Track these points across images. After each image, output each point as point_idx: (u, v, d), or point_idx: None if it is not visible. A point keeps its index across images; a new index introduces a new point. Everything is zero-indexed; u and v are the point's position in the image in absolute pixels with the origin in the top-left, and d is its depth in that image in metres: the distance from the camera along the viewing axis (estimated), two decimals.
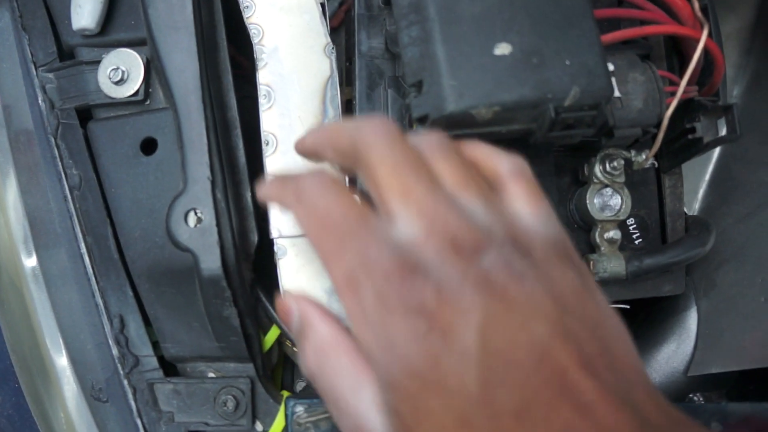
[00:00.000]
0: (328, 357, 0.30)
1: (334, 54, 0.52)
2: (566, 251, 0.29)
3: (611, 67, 0.44)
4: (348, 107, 0.52)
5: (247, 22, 0.51)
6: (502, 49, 0.39)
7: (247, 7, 0.51)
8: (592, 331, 0.26)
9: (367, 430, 0.28)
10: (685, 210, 0.53)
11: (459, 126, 0.40)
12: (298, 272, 0.49)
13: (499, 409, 0.24)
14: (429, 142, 0.32)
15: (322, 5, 0.52)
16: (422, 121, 0.40)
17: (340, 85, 0.52)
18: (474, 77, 0.38)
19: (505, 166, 0.33)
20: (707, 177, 0.57)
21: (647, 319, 0.58)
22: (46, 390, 0.48)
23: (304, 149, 0.37)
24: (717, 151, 0.56)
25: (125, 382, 0.46)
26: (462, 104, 0.38)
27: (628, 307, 0.49)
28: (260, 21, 0.51)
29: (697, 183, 0.57)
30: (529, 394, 0.23)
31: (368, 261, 0.27)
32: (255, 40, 0.51)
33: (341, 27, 0.61)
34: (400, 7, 0.41)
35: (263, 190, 0.36)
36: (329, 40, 0.52)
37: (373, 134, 0.31)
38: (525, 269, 0.26)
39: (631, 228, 0.50)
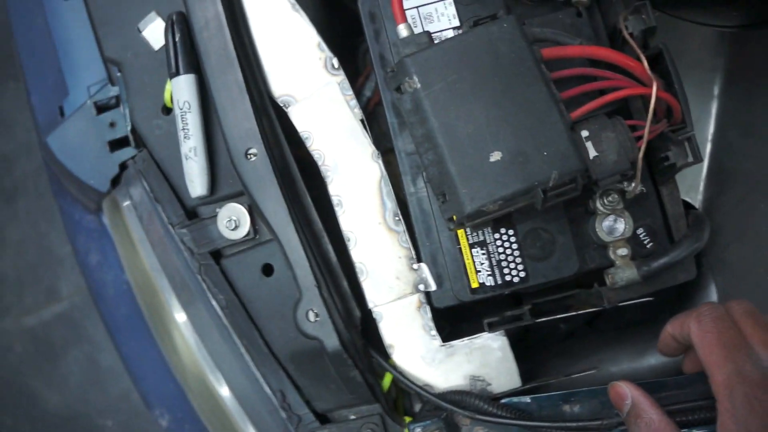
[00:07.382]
0: None
1: (380, 158, 0.67)
2: None
3: (586, 133, 0.57)
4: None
5: (309, 149, 0.68)
6: (495, 156, 0.53)
7: (307, 138, 0.68)
8: None
9: None
10: (690, 200, 0.64)
11: (477, 217, 0.54)
12: (395, 330, 0.66)
13: None
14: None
15: (362, 122, 0.67)
16: (450, 219, 0.55)
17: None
18: (479, 183, 0.53)
19: None
20: (704, 172, 0.68)
21: (677, 301, 0.69)
22: None
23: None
24: (708, 147, 0.67)
25: None
26: (474, 205, 0.52)
27: (652, 299, 0.62)
28: (320, 147, 0.67)
29: (696, 179, 0.68)
30: None
31: (743, 372, 0.42)
32: (319, 163, 0.67)
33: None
34: (416, 138, 0.56)
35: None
36: (374, 148, 0.67)
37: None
38: None
39: (641, 236, 0.62)
